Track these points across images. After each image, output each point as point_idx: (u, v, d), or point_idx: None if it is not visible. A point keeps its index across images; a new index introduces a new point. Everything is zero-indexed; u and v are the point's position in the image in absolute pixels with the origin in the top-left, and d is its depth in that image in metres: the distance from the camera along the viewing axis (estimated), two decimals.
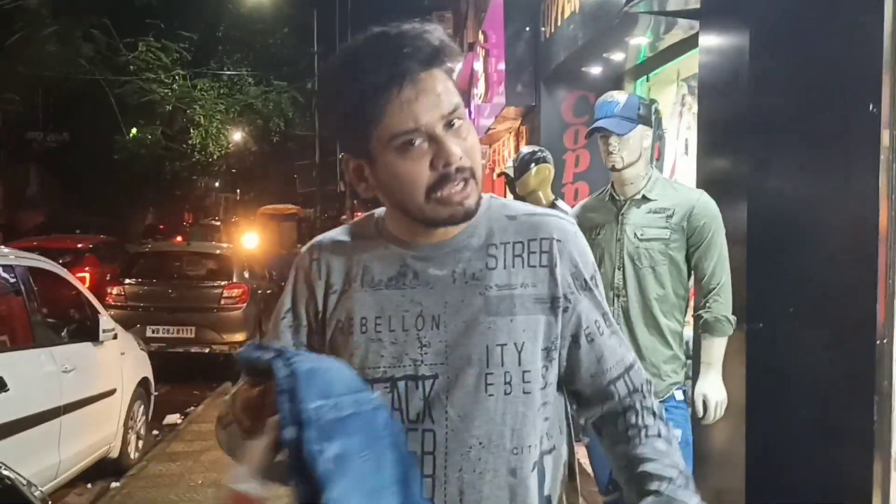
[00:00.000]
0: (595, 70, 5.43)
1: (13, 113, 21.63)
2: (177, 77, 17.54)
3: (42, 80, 16.81)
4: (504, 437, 1.22)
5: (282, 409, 1.03)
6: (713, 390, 2.76)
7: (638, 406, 1.30)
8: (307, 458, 1.01)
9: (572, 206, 3.73)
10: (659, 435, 1.28)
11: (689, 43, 4.27)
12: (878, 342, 2.82)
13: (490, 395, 1.22)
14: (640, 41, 4.72)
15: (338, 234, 1.37)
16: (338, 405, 1.05)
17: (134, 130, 20.29)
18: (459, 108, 1.20)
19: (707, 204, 2.79)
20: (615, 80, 5.23)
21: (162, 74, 16.95)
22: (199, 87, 18.64)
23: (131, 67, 15.77)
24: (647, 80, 4.98)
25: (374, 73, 1.14)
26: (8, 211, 23.11)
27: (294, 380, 1.03)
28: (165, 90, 17.26)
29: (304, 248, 1.38)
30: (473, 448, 1.21)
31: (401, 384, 1.23)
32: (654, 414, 1.30)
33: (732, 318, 2.75)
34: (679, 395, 2.79)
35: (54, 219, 22.96)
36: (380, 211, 1.36)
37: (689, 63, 4.36)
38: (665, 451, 1.27)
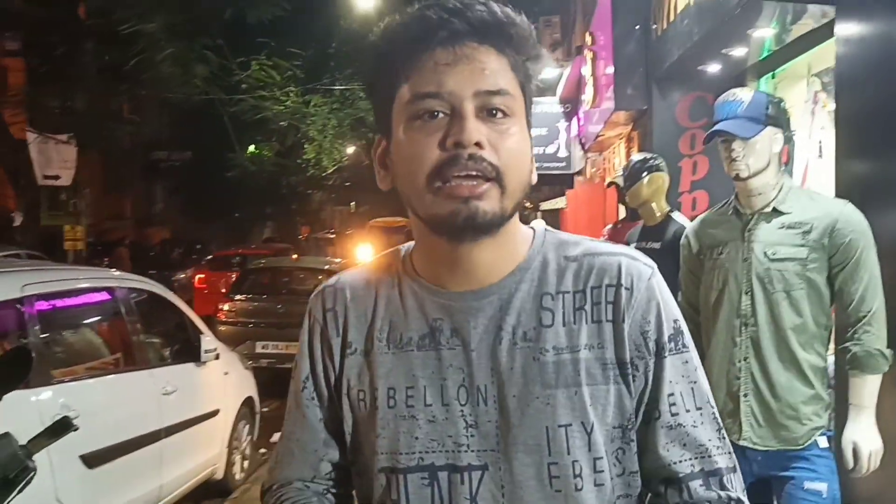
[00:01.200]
0: (713, 68, 4.99)
1: (139, 134, 22.74)
2: (290, 94, 17.88)
3: (164, 102, 17.51)
4: None
5: None
6: (866, 437, 2.33)
7: None
8: None
9: (690, 219, 3.35)
10: None
11: (822, 33, 3.80)
12: None
13: (557, 492, 0.96)
14: (763, 33, 4.27)
15: (356, 275, 1.12)
16: None
17: (252, 147, 20.88)
18: (507, 97, 0.96)
19: (852, 216, 2.36)
20: (736, 78, 4.78)
21: (277, 92, 17.31)
22: (311, 102, 18.96)
23: (244, 86, 16.17)
24: (773, 76, 4.51)
25: (415, 28, 0.97)
26: (136, 228, 24.32)
27: None
28: (279, 107, 17.63)
29: (314, 294, 1.14)
30: None
31: (442, 475, 0.98)
32: None
33: (888, 352, 2.32)
34: (823, 442, 2.38)
35: (179, 234, 24.02)
36: (407, 246, 1.12)
37: (822, 55, 3.89)
38: None
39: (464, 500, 0.97)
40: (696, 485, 0.99)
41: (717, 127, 2.46)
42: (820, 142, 3.94)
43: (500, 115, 0.96)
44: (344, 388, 1.06)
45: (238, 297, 9.51)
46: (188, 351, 5.32)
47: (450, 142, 0.94)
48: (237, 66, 15.32)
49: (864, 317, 2.32)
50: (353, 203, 41.65)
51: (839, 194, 2.91)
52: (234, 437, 5.83)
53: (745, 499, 1.00)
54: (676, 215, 3.84)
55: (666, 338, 1.00)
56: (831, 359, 2.52)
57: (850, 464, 2.36)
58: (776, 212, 2.43)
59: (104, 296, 4.71)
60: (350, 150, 24.23)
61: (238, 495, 5.64)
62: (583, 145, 9.74)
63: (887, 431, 2.56)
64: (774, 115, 2.44)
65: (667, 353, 1.00)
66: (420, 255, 1.06)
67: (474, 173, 0.94)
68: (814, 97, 4.00)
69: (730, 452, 1.02)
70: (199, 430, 5.22)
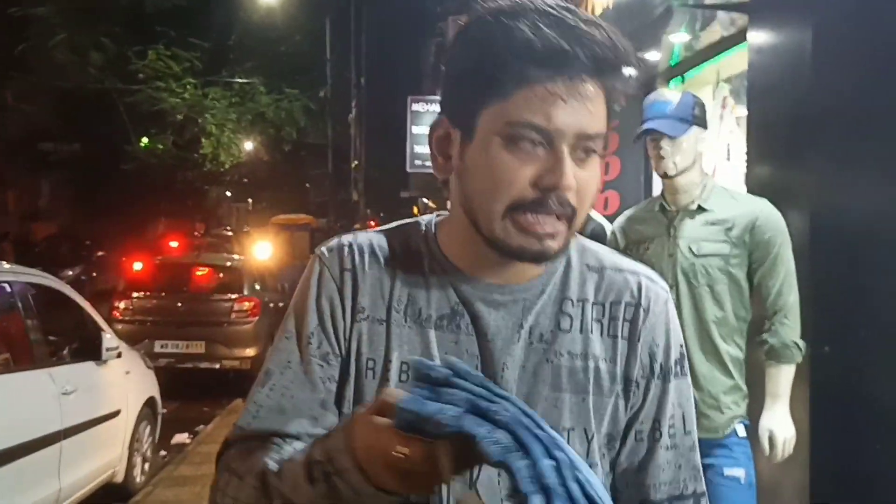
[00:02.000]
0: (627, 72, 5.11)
1: (25, 124, 21.57)
2: (188, 86, 17.39)
3: (53, 91, 16.70)
4: None
5: (518, 475, 0.73)
6: (781, 425, 2.45)
7: None
8: None
9: (604, 217, 3.44)
10: None
11: (731, 41, 3.96)
12: None
13: None
14: (677, 38, 4.42)
15: (374, 238, 1.06)
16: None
17: (145, 140, 20.16)
18: (599, 141, 0.93)
19: (771, 215, 2.48)
20: (648, 82, 4.93)
21: (173, 83, 16.80)
22: (210, 95, 18.50)
23: (141, 76, 15.64)
24: (682, 80, 4.68)
25: (537, 41, 0.88)
26: (21, 222, 23.05)
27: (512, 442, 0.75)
28: (176, 99, 17.11)
29: (327, 247, 1.07)
30: None
31: None
32: None
33: (802, 344, 2.44)
34: (741, 431, 2.48)
35: (67, 230, 22.90)
36: (428, 219, 1.08)
37: (731, 62, 4.06)
38: None
39: (463, 485, 0.96)
40: None
41: (646, 125, 2.53)
42: (728, 145, 4.11)
43: (592, 154, 0.93)
44: (353, 353, 1.01)
45: (135, 294, 9.14)
46: (88, 349, 5.08)
47: (546, 182, 0.90)
48: (134, 54, 14.79)
49: (780, 310, 2.43)
50: (250, 200, 40.76)
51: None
52: (135, 438, 5.60)
53: None
54: (593, 213, 3.92)
55: (672, 361, 1.03)
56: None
57: (767, 450, 2.46)
58: (700, 209, 2.52)
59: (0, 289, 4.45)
60: (249, 145, 23.72)
61: (140, 499, 5.42)
62: None
63: (796, 419, 2.70)
64: (700, 116, 2.53)
65: (672, 377, 1.03)
66: (452, 238, 1.03)
67: (556, 216, 0.92)
68: (722, 102, 4.17)
69: (698, 481, 1.05)
70: (100, 432, 4.99)
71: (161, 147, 19.68)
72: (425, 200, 21.49)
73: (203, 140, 19.65)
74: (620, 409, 1.01)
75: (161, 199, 25.60)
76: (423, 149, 11.31)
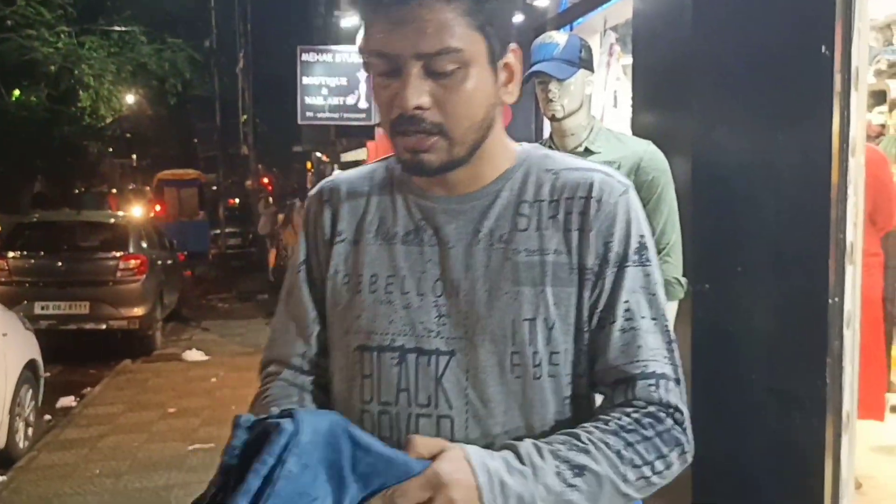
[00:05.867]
0: (517, 18, 5.15)
1: None
2: (61, 34, 16.38)
3: None
4: (532, 427, 1.06)
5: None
6: None
7: (638, 416, 1.03)
8: None
9: None
10: (609, 425, 1.02)
11: None
12: (829, 301, 2.67)
13: (517, 378, 1.05)
14: None
15: (353, 175, 1.23)
16: None
17: (17, 92, 18.93)
18: (454, 55, 0.99)
19: (655, 156, 2.56)
20: (537, 29, 4.96)
21: (45, 32, 15.78)
22: (86, 45, 17.48)
23: (9, 23, 14.61)
24: (571, 28, 4.73)
25: None
26: None
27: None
28: (49, 49, 16.09)
29: (313, 190, 1.25)
30: (498, 437, 1.04)
31: (410, 357, 1.08)
32: (648, 438, 1.01)
33: (683, 281, 2.55)
34: None
35: None
36: None
37: (617, 10, 4.13)
38: (618, 454, 1.00)
39: (429, 381, 1.06)
40: (644, 384, 1.04)
41: (534, 68, 2.55)
42: (615, 91, 4.19)
43: (449, 67, 0.99)
44: (331, 271, 1.15)
45: (11, 254, 8.66)
46: None
47: (396, 104, 1.01)
48: (1, 1, 13.79)
49: (664, 248, 2.53)
50: (134, 156, 39.12)
51: None
52: (15, 402, 5.35)
53: (684, 409, 1.05)
54: None
55: (631, 250, 1.07)
56: None
57: None
58: (588, 151, 2.57)
59: None
60: (131, 98, 22.67)
61: (24, 464, 5.21)
62: None
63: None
64: (587, 59, 2.57)
65: (629, 264, 1.07)
66: None
67: (418, 133, 1.01)
68: (609, 49, 4.24)
69: (676, 366, 1.07)
70: None
71: (34, 100, 18.52)
72: (318, 155, 21.13)
73: (80, 93, 18.61)
74: (584, 298, 1.07)
75: (36, 156, 24.20)
76: (314, 100, 11.07)
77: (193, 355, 8.49)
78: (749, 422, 2.86)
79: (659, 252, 2.52)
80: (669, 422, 1.03)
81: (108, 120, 20.74)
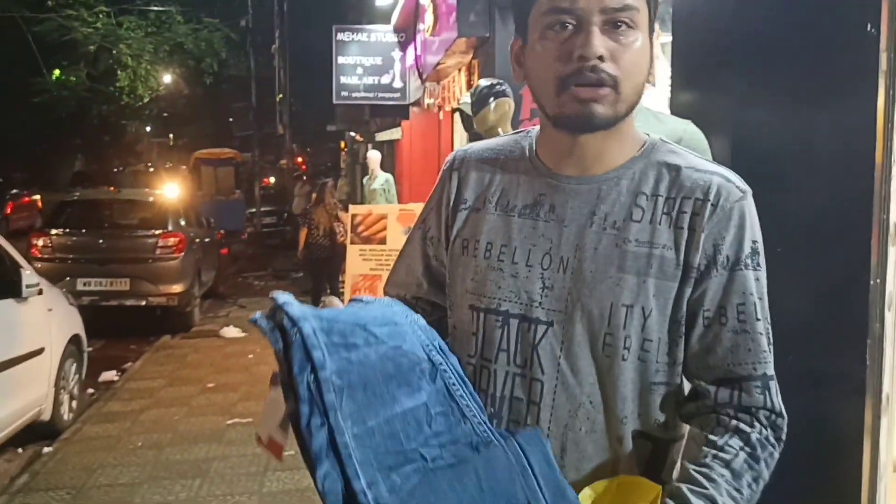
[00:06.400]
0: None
1: None
2: (100, 14, 16.56)
3: None
4: (615, 402, 1.13)
5: (280, 376, 1.02)
6: None
7: (733, 425, 1.11)
8: (303, 435, 0.97)
9: None
10: (731, 467, 1.08)
11: None
12: (871, 282, 2.64)
13: (607, 357, 1.12)
14: None
15: (485, 146, 1.30)
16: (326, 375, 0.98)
17: (57, 72, 19.21)
18: (632, 12, 1.09)
19: (694, 135, 2.54)
20: None
21: (84, 12, 15.97)
22: (125, 25, 17.66)
23: (49, 3, 14.82)
24: None
25: None
26: None
27: (288, 350, 1.00)
28: (88, 29, 16.29)
29: (448, 157, 1.33)
30: (583, 406, 1.13)
31: (513, 321, 1.16)
32: (746, 449, 1.10)
33: None
34: None
35: None
36: (536, 130, 1.27)
37: None
38: (721, 481, 1.07)
39: (527, 346, 1.14)
40: (751, 385, 1.11)
41: None
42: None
43: (623, 27, 1.08)
44: (453, 234, 1.25)
45: (54, 231, 8.85)
46: (7, 286, 4.94)
47: (576, 54, 1.07)
48: None
49: None
50: (171, 135, 39.52)
51: None
52: (60, 376, 5.51)
53: (783, 410, 1.15)
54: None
55: (744, 255, 1.12)
56: None
57: None
58: None
59: None
60: (168, 78, 22.87)
61: (69, 436, 5.36)
62: (420, 75, 9.70)
63: None
64: None
65: (741, 268, 1.12)
66: (542, 141, 1.22)
67: (597, 82, 1.07)
68: None
69: (762, 362, 1.14)
70: (23, 370, 4.89)
71: (74, 79, 18.78)
72: (352, 134, 21.17)
73: (119, 72, 18.82)
74: (685, 294, 1.12)
75: (76, 135, 24.61)
76: (349, 80, 11.08)
77: (231, 332, 8.63)
78: (785, 403, 2.85)
79: None
80: (772, 437, 1.12)
81: (146, 99, 20.94)
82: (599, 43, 1.07)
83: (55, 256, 8.57)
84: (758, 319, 1.13)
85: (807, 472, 2.83)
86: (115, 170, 26.60)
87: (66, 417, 5.62)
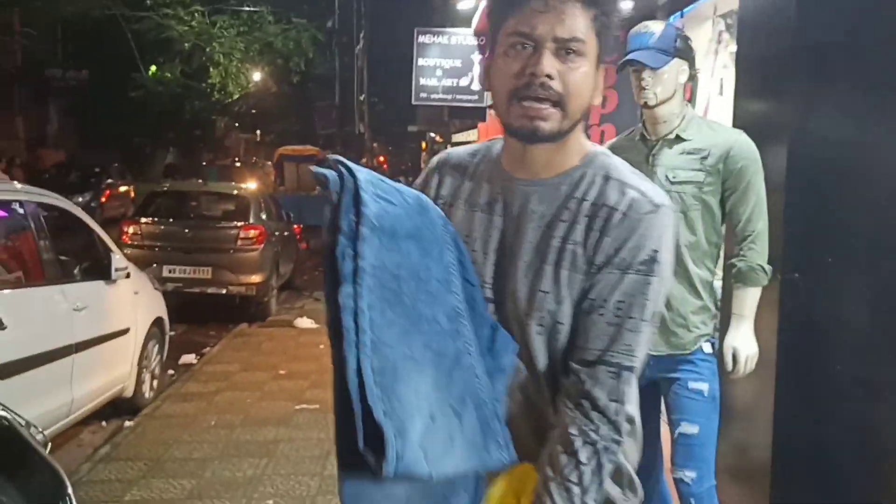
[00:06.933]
0: (626, 5, 5.16)
1: (32, 50, 21.43)
2: (195, 14, 17.21)
3: (60, 16, 16.59)
4: (536, 368, 1.34)
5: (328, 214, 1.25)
6: (744, 343, 2.61)
7: (580, 412, 1.27)
8: (336, 261, 1.19)
9: None
10: (574, 455, 1.25)
11: None
12: None
13: (527, 332, 1.33)
14: None
15: (464, 151, 1.51)
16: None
17: (153, 68, 20.05)
18: (579, 43, 1.27)
19: (746, 145, 2.59)
20: (647, 16, 4.96)
21: (180, 11, 16.64)
22: (218, 24, 18.30)
23: (148, 2, 15.50)
24: (682, 15, 4.72)
25: None
26: (29, 149, 23.13)
27: (342, 193, 1.22)
28: (184, 27, 16.97)
29: (433, 160, 1.55)
30: (518, 368, 1.34)
31: (477, 296, 1.35)
32: (583, 436, 1.26)
33: (768, 268, 2.58)
34: (707, 348, 2.64)
35: (74, 157, 22.99)
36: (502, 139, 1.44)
37: None
38: (556, 473, 1.25)
39: (481, 313, 1.33)
40: (606, 371, 1.27)
41: (629, 56, 2.63)
42: (721, 80, 4.18)
43: (572, 54, 1.27)
44: None
45: (144, 219, 9.31)
46: (98, 269, 5.27)
47: (528, 71, 1.26)
48: None
49: (749, 236, 2.57)
50: (258, 131, 40.64)
51: (736, 128, 3.13)
52: (143, 356, 5.84)
53: (621, 406, 1.27)
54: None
55: (638, 260, 1.27)
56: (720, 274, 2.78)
57: (730, 366, 2.63)
58: (679, 139, 2.64)
59: (12, 209, 4.61)
60: (257, 76, 23.55)
61: (149, 412, 5.69)
62: None
63: (766, 343, 2.87)
64: (682, 48, 2.63)
65: (632, 271, 1.28)
66: (504, 148, 1.42)
67: (542, 97, 1.26)
68: (718, 37, 4.23)
69: (634, 367, 1.29)
70: (110, 348, 5.22)
71: (169, 76, 19.57)
72: (432, 135, 21.43)
73: (211, 69, 19.51)
74: (586, 289, 1.30)
75: (169, 129, 25.59)
76: (429, 81, 11.28)
77: (304, 323, 8.92)
78: (834, 411, 2.87)
79: (744, 239, 2.58)
80: (608, 429, 1.26)
81: (236, 96, 21.59)
82: (549, 64, 1.25)
83: (144, 244, 9.00)
84: (631, 318, 1.27)
85: (854, 479, 2.85)
86: (204, 163, 27.49)
87: (146, 395, 5.95)
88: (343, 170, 1.24)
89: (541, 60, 1.25)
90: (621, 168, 1.36)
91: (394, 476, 1.11)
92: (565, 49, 1.26)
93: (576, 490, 1.24)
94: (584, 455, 1.25)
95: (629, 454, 1.39)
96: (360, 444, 1.11)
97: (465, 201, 1.43)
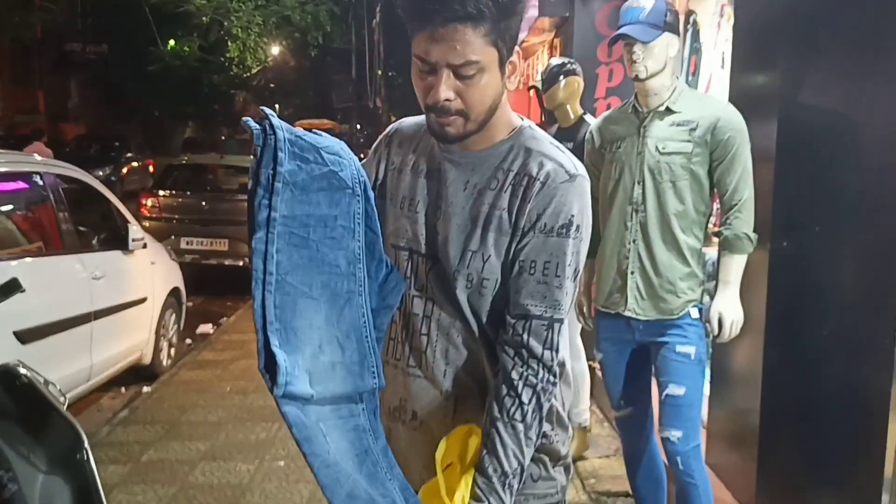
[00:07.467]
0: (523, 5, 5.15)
1: (52, 23, 21.63)
2: None
3: None
4: (467, 319, 1.50)
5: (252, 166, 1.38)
6: (729, 308, 2.70)
7: (519, 360, 1.43)
8: (254, 210, 1.37)
9: None
10: (514, 396, 1.41)
11: None
12: None
13: (457, 287, 1.48)
14: None
15: (415, 122, 1.63)
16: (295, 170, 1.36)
17: (172, 42, 20.18)
18: (474, 65, 1.37)
19: (732, 116, 2.67)
20: None
21: None
22: None
23: None
24: None
25: (419, 9, 1.37)
26: (50, 122, 23.40)
27: (265, 148, 1.36)
28: (201, 1, 17.04)
29: (388, 128, 1.70)
30: (453, 320, 1.51)
31: (416, 257, 1.53)
32: (524, 380, 1.42)
33: (753, 236, 2.67)
34: (694, 313, 2.74)
35: (95, 130, 23.24)
36: None
37: None
38: (494, 419, 1.41)
39: (422, 275, 1.53)
40: (539, 323, 1.43)
41: (620, 31, 2.70)
42: (723, 53, 4.22)
43: (471, 71, 1.38)
44: (384, 188, 1.60)
45: (161, 192, 9.47)
46: (116, 239, 5.43)
47: (430, 98, 1.40)
48: None
49: (736, 205, 2.65)
50: (277, 106, 40.76)
51: (731, 100, 3.20)
52: (161, 324, 6.01)
53: (554, 353, 1.44)
54: (589, 118, 4.10)
55: (558, 225, 1.43)
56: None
57: (716, 331, 2.73)
58: (668, 111, 2.71)
59: (33, 181, 4.75)
60: (275, 50, 23.63)
61: (166, 378, 5.87)
62: None
63: (755, 309, 2.95)
64: (672, 22, 2.69)
65: (554, 235, 1.43)
66: None
67: (445, 114, 1.41)
68: (720, 10, 4.26)
69: (563, 319, 1.45)
70: (128, 316, 5.39)
71: (187, 49, 19.71)
72: None
73: (229, 43, 19.61)
74: (512, 247, 1.46)
75: (187, 103, 25.78)
76: None
77: None
78: (818, 377, 2.95)
79: (731, 208, 2.66)
80: (544, 372, 1.43)
81: (254, 70, 21.71)
82: (446, 87, 1.38)
83: (162, 216, 9.17)
84: (557, 276, 1.43)
85: (835, 439, 2.94)
86: (223, 137, 27.68)
87: (164, 363, 6.14)
88: (267, 126, 1.36)
89: (439, 85, 1.38)
90: (543, 141, 1.50)
91: (283, 396, 1.31)
92: (461, 71, 1.37)
93: (520, 427, 1.41)
94: (526, 396, 1.41)
95: (560, 395, 1.56)
96: (261, 367, 1.32)
97: (412, 168, 1.57)
